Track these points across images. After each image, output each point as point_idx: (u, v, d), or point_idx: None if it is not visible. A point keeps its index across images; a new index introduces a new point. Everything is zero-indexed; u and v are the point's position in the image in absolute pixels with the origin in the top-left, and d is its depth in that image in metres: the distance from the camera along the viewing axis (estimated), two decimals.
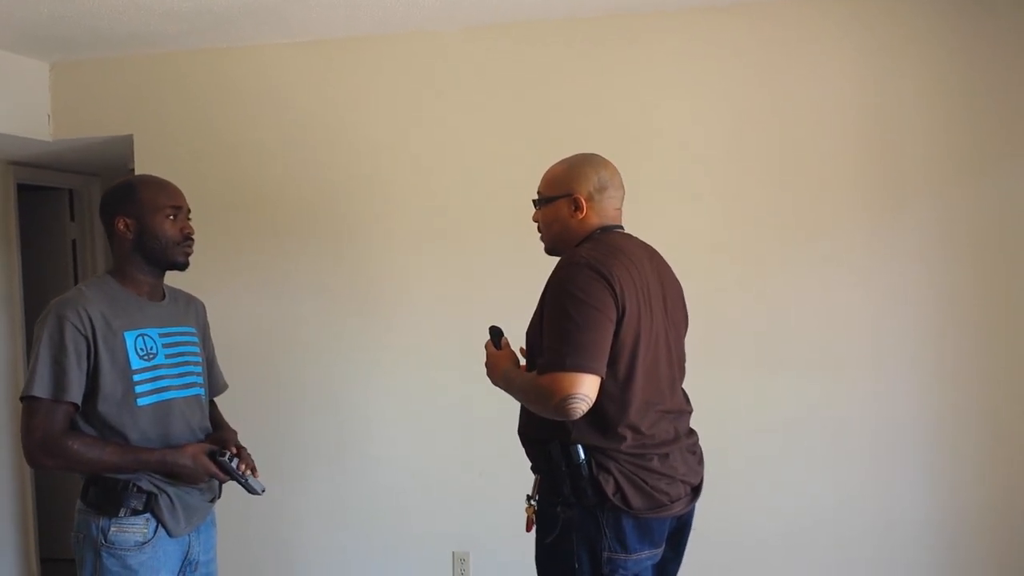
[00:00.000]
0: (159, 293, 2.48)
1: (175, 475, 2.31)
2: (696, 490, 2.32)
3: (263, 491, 2.43)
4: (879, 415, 3.38)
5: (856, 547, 3.39)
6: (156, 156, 3.89)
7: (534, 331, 2.27)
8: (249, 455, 2.46)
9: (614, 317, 2.11)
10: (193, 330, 2.54)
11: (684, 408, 2.36)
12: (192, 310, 2.59)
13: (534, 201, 2.38)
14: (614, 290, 2.11)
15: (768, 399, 3.44)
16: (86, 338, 2.25)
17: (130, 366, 2.29)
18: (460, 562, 3.69)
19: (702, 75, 3.47)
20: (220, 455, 2.35)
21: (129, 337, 2.31)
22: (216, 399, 2.70)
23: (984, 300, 3.32)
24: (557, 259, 2.30)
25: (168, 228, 2.38)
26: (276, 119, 3.82)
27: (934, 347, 3.35)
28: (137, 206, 2.37)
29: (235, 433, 2.58)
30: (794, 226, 3.42)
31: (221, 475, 2.36)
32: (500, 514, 3.48)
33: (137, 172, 3.88)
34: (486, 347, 2.41)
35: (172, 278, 2.50)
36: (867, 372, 3.38)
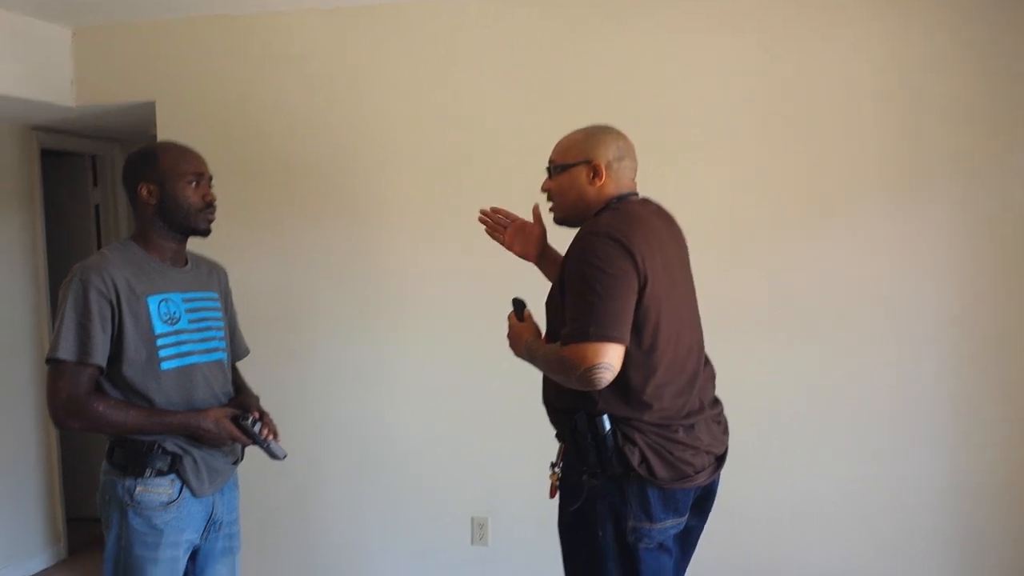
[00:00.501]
0: (182, 259, 2.49)
1: (198, 438, 2.34)
2: (720, 459, 2.33)
3: (284, 456, 2.45)
4: (900, 388, 3.37)
5: (876, 519, 3.40)
6: (178, 122, 3.90)
7: (553, 302, 2.27)
8: (271, 420, 2.49)
9: (636, 286, 2.10)
10: (216, 295, 2.56)
11: (708, 375, 2.36)
12: (215, 276, 2.60)
13: (548, 169, 2.36)
14: (635, 259, 2.10)
15: (788, 371, 3.43)
16: (110, 302, 2.27)
17: (153, 331, 2.32)
18: (479, 527, 3.73)
19: (724, 48, 3.44)
20: (243, 419, 2.37)
21: (152, 302, 2.33)
22: (238, 364, 2.72)
23: (1006, 274, 3.30)
24: (568, 230, 2.30)
25: (190, 194, 2.39)
26: (298, 86, 3.81)
27: (955, 320, 3.33)
28: (159, 172, 2.38)
29: (257, 398, 2.60)
30: (816, 197, 3.40)
31: (244, 439, 2.38)
32: (519, 480, 3.52)
33: (159, 138, 3.90)
34: (508, 319, 2.40)
35: (193, 244, 2.52)
36: (888, 345, 3.38)
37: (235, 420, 2.37)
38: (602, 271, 2.08)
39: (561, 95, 3.54)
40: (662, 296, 2.16)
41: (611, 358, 2.05)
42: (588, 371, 2.04)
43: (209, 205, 2.43)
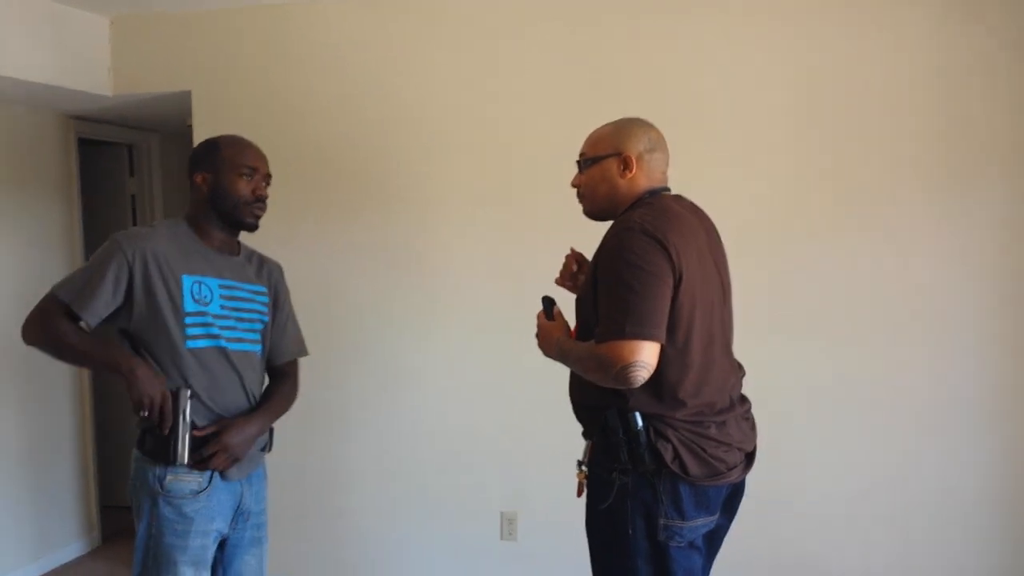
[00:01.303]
0: (232, 249, 2.52)
1: (128, 383, 2.27)
2: (750, 457, 2.30)
3: (182, 463, 2.29)
4: (938, 384, 3.32)
5: (913, 515, 3.36)
6: (214, 112, 3.92)
7: (586, 299, 2.23)
8: (227, 452, 2.35)
9: (671, 283, 2.07)
10: (263, 290, 2.56)
11: (738, 373, 2.33)
12: (265, 271, 2.60)
13: (578, 162, 2.33)
14: (670, 255, 2.07)
15: (827, 367, 3.39)
16: (130, 271, 2.30)
17: (183, 308, 2.33)
18: (508, 522, 3.71)
19: (766, 37, 3.39)
20: (181, 391, 2.29)
21: (187, 281, 2.36)
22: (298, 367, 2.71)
23: None
24: (601, 224, 2.27)
25: (241, 187, 2.42)
26: (333, 77, 3.81)
27: (996, 317, 3.27)
28: (217, 162, 2.43)
29: (268, 419, 2.50)
30: (855, 196, 3.34)
31: (158, 407, 2.26)
32: (549, 476, 3.48)
33: (195, 128, 3.92)
34: (538, 317, 2.38)
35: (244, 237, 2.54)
36: (927, 341, 3.32)
37: (174, 391, 2.31)
38: (638, 267, 2.05)
39: (601, 87, 3.50)
40: (696, 293, 2.13)
41: (647, 356, 2.02)
42: (624, 369, 2.01)
43: (259, 200, 2.46)
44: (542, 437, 3.58)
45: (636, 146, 2.24)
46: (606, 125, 2.32)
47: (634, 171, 2.23)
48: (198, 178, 2.44)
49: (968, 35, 3.23)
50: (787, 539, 3.44)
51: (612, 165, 2.25)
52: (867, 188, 3.33)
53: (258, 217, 2.47)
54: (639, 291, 2.03)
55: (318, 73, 3.82)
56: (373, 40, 3.76)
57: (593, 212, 2.33)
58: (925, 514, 3.35)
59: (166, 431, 2.29)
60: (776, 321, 3.36)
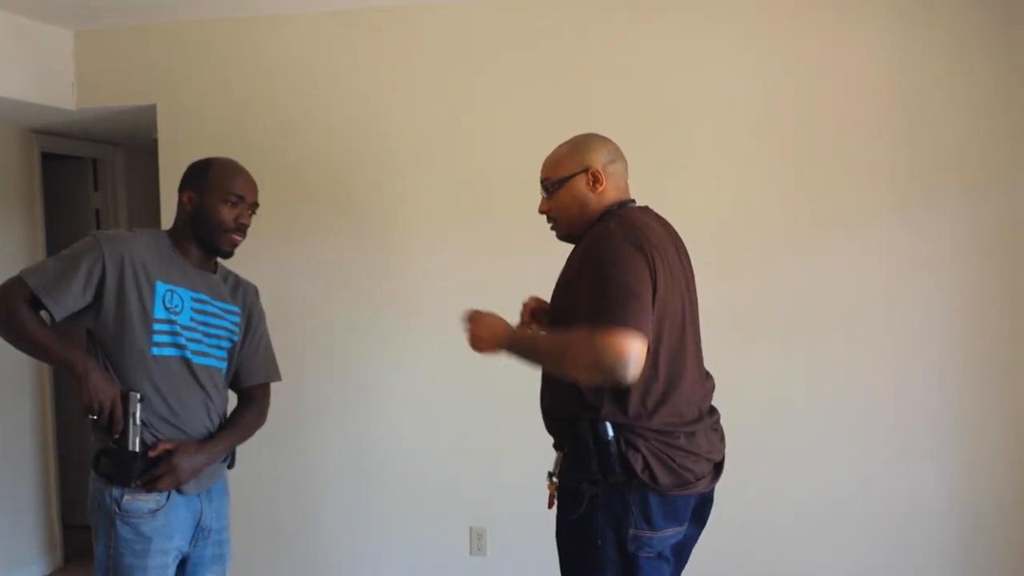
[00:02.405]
0: (209, 267, 2.51)
1: (78, 382, 2.25)
2: (718, 467, 2.31)
3: (135, 451, 2.27)
4: (904, 396, 3.35)
5: (880, 527, 3.38)
6: (179, 126, 3.89)
7: (566, 291, 2.21)
8: (173, 472, 2.30)
9: (651, 290, 2.07)
10: (235, 309, 2.54)
11: (707, 384, 2.34)
12: (240, 292, 2.59)
13: (545, 187, 2.31)
14: (651, 264, 2.07)
15: (791, 378, 3.41)
16: (103, 270, 2.29)
17: (153, 314, 2.32)
18: (477, 537, 3.70)
19: (730, 51, 3.42)
20: (132, 397, 2.27)
21: (160, 288, 2.35)
22: (270, 391, 2.68)
23: (1011, 285, 3.28)
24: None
25: (223, 213, 2.41)
26: (299, 91, 3.79)
27: (960, 329, 3.31)
28: (205, 184, 2.43)
29: (222, 449, 2.45)
30: (820, 205, 3.38)
31: (107, 411, 2.24)
32: (518, 490, 3.48)
33: (160, 142, 3.88)
34: (468, 314, 2.30)
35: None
36: (892, 353, 3.36)
37: (124, 393, 2.29)
38: (624, 270, 2.03)
39: (567, 100, 3.52)
40: (667, 305, 2.13)
41: (642, 351, 1.97)
42: (620, 363, 1.94)
43: (239, 228, 2.44)
44: (511, 452, 3.57)
45: (600, 159, 2.25)
46: (561, 146, 2.32)
47: (604, 184, 2.24)
48: (184, 196, 2.44)
49: (931, 47, 3.28)
50: (754, 550, 3.45)
51: (580, 182, 2.25)
52: (831, 199, 3.37)
53: (235, 245, 2.46)
54: (630, 290, 2.01)
55: (285, 87, 3.81)
56: (338, 54, 3.75)
57: (570, 234, 2.32)
58: (891, 524, 3.37)
59: (115, 435, 2.27)
60: (741, 331, 3.37)
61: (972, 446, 3.33)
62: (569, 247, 2.29)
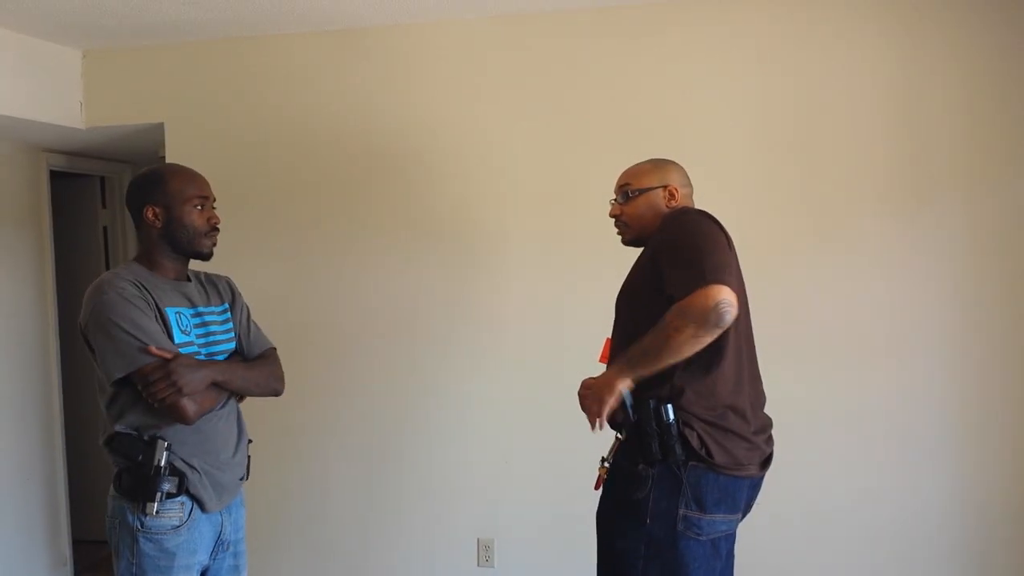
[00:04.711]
0: (184, 277, 2.51)
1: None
2: (765, 462, 2.39)
3: (160, 465, 2.28)
4: (903, 406, 3.37)
5: (879, 536, 3.39)
6: (187, 144, 3.93)
7: (633, 293, 2.35)
8: (170, 377, 2.24)
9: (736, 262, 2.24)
10: (223, 307, 2.55)
11: (760, 384, 2.46)
12: (216, 289, 2.58)
13: (624, 193, 2.48)
14: (730, 244, 2.25)
15: (791, 389, 3.40)
16: (145, 300, 2.28)
17: (174, 340, 2.32)
18: (485, 548, 3.71)
19: (728, 66, 3.45)
20: (157, 441, 2.28)
21: (171, 312, 2.35)
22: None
23: (1009, 294, 3.30)
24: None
25: (196, 218, 2.40)
26: (305, 107, 3.83)
27: (959, 339, 3.33)
28: (166, 195, 2.39)
29: (234, 370, 2.46)
30: (820, 213, 3.41)
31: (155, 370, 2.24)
32: (526, 502, 3.51)
33: (168, 160, 3.92)
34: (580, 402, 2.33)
35: (201, 264, 2.53)
36: (891, 364, 3.37)
37: (150, 439, 2.29)
38: (708, 235, 2.20)
39: (565, 114, 3.55)
40: (740, 289, 2.25)
41: (732, 296, 2.07)
42: (718, 306, 2.04)
43: (214, 228, 2.45)
44: (519, 463, 3.59)
45: (677, 180, 2.49)
46: (646, 162, 2.54)
47: (678, 201, 2.46)
48: (149, 213, 2.39)
49: (930, 56, 3.31)
50: (758, 553, 3.45)
51: (659, 195, 2.47)
52: (831, 207, 3.40)
53: (214, 245, 2.46)
54: (710, 250, 2.16)
55: (291, 105, 3.85)
56: (341, 71, 3.79)
57: (636, 239, 2.50)
58: (894, 533, 3.39)
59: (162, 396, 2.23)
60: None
61: (975, 451, 3.34)
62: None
